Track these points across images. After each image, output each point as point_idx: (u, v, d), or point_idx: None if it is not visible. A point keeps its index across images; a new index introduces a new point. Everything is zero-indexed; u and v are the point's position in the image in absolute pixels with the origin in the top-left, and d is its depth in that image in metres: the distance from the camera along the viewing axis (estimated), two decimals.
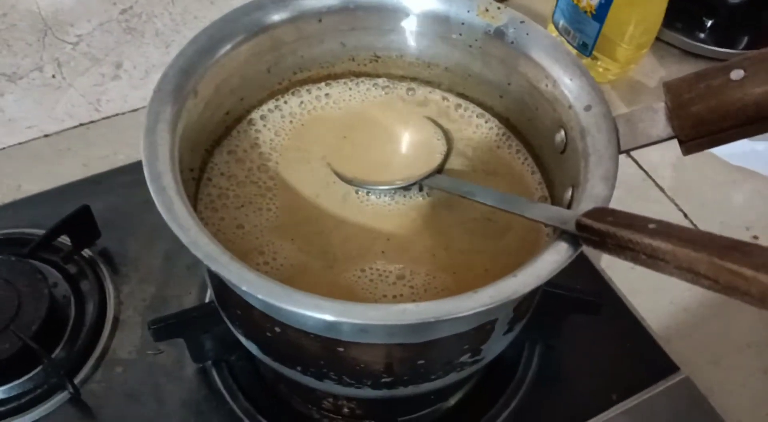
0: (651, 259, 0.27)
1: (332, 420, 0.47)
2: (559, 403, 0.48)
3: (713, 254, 0.25)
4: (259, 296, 0.29)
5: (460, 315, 0.29)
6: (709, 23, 0.76)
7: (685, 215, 0.61)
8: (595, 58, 0.69)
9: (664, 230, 0.27)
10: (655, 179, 0.63)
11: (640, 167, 0.64)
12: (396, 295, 0.38)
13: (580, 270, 0.55)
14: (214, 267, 0.30)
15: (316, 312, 0.29)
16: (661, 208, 0.61)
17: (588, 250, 0.55)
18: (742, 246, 0.24)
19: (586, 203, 0.32)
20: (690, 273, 0.26)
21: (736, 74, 0.32)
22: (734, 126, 0.32)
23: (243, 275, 0.30)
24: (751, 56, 0.32)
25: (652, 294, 0.54)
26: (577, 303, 0.46)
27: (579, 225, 0.30)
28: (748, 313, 0.54)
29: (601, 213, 0.30)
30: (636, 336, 0.51)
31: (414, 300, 0.38)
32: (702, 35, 0.75)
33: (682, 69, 0.74)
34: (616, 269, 0.55)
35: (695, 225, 0.60)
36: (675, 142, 0.34)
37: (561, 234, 0.32)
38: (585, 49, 0.69)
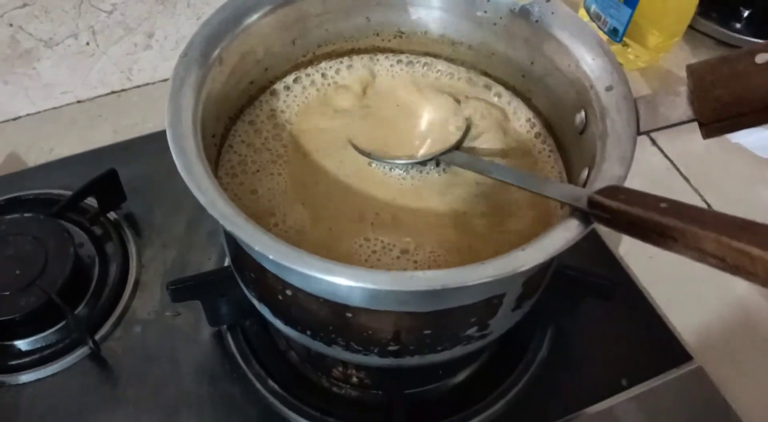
0: (661, 238, 0.27)
1: (341, 389, 0.48)
2: (568, 386, 0.48)
3: (722, 233, 0.25)
4: (271, 257, 0.30)
5: (467, 284, 0.29)
6: (746, 13, 0.74)
7: (710, 207, 0.60)
8: (626, 45, 0.68)
9: (675, 209, 0.27)
10: (680, 169, 0.62)
11: (665, 156, 0.63)
12: (399, 269, 0.38)
13: (599, 256, 0.55)
14: (229, 228, 0.30)
15: (325, 274, 0.29)
16: (685, 199, 0.60)
17: (607, 237, 0.55)
18: (751, 226, 0.24)
19: (600, 182, 0.32)
20: (697, 252, 0.26)
21: (762, 58, 0.32)
22: (756, 110, 0.32)
23: (257, 236, 0.30)
24: None
25: (668, 285, 0.53)
26: (591, 287, 0.46)
27: (591, 203, 0.30)
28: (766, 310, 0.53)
29: (614, 191, 0.30)
30: (650, 323, 0.51)
31: None
32: (738, 25, 0.73)
33: None
34: (634, 258, 0.54)
35: None
36: (701, 133, 0.34)
37: (573, 211, 0.32)
38: (615, 34, 0.68)
